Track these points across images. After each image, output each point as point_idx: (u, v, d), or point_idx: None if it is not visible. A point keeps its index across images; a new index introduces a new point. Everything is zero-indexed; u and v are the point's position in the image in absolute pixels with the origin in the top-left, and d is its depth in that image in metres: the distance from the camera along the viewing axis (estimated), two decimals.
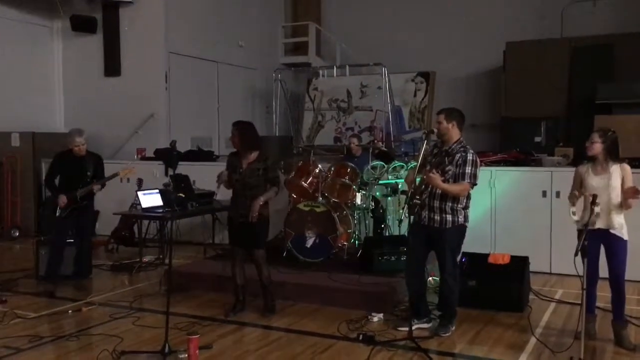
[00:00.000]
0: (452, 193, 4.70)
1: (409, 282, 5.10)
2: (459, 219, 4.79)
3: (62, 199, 6.32)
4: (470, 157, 4.71)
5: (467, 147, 4.80)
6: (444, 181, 4.68)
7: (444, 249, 4.83)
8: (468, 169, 4.68)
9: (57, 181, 6.51)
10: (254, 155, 5.31)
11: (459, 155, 4.72)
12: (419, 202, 4.79)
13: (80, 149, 6.37)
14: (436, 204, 4.76)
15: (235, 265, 5.48)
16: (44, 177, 6.89)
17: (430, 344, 4.63)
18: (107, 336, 4.88)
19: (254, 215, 5.19)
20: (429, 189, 4.79)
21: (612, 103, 9.62)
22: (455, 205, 4.76)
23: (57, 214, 6.37)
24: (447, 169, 4.72)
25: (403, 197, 6.31)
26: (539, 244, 6.89)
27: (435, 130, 4.93)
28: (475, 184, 4.79)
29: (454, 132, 4.80)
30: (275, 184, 5.35)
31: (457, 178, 4.71)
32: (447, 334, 4.87)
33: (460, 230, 4.85)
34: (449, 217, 4.76)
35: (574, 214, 4.47)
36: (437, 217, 4.77)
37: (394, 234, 7.15)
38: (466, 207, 4.84)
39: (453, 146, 4.78)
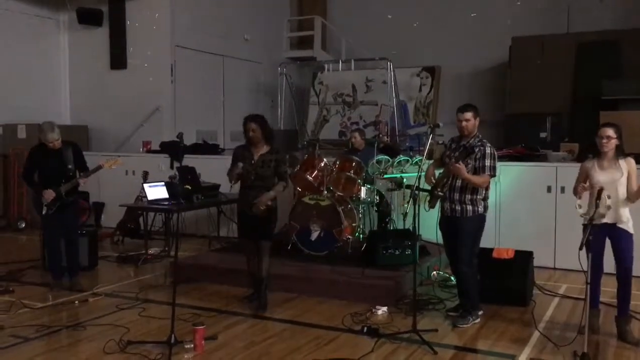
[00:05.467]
0: (475, 183, 4.84)
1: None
2: (479, 209, 4.94)
3: (49, 193, 5.87)
4: (489, 151, 4.86)
5: (485, 140, 4.94)
6: None
7: (462, 238, 4.96)
8: (487, 162, 4.85)
9: (35, 177, 6.03)
10: (266, 147, 5.35)
11: (477, 149, 4.86)
12: (441, 194, 4.95)
13: (55, 145, 5.89)
14: (456, 196, 4.93)
15: (249, 258, 5.54)
16: (22, 173, 6.27)
17: (434, 337, 4.64)
18: (114, 326, 4.93)
19: (260, 208, 5.21)
20: (450, 182, 4.93)
21: (619, 99, 9.59)
22: (475, 196, 4.91)
23: (44, 212, 5.95)
24: (467, 162, 4.83)
25: (408, 191, 6.32)
26: (544, 238, 6.91)
27: (441, 125, 5.23)
28: (494, 176, 4.95)
29: (476, 128, 4.99)
30: (284, 179, 5.39)
31: (478, 171, 4.86)
32: (465, 325, 4.94)
33: (479, 220, 4.99)
34: (469, 207, 4.91)
35: (579, 207, 4.48)
36: (457, 208, 4.94)
37: (398, 228, 7.17)
38: (485, 198, 4.99)
39: (471, 141, 4.92)
